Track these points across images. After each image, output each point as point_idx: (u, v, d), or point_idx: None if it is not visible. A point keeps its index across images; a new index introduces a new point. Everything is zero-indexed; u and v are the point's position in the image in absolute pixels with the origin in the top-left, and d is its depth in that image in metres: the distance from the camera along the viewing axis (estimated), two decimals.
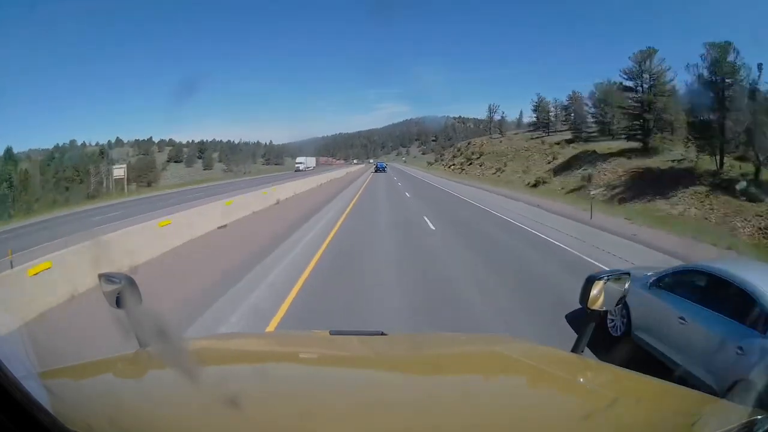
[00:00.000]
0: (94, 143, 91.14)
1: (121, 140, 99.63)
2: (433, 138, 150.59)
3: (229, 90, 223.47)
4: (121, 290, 1.35)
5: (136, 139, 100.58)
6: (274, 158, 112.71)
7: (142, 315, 1.30)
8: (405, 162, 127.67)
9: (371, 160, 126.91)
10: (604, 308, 1.42)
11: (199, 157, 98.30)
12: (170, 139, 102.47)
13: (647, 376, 1.22)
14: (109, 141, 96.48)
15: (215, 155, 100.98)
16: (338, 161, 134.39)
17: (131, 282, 1.37)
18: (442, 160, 76.32)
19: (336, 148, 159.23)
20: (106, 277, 1.43)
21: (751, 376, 2.65)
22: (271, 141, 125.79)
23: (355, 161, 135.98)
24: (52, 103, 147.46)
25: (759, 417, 0.82)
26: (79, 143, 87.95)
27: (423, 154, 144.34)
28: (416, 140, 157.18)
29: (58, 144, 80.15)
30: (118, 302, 1.35)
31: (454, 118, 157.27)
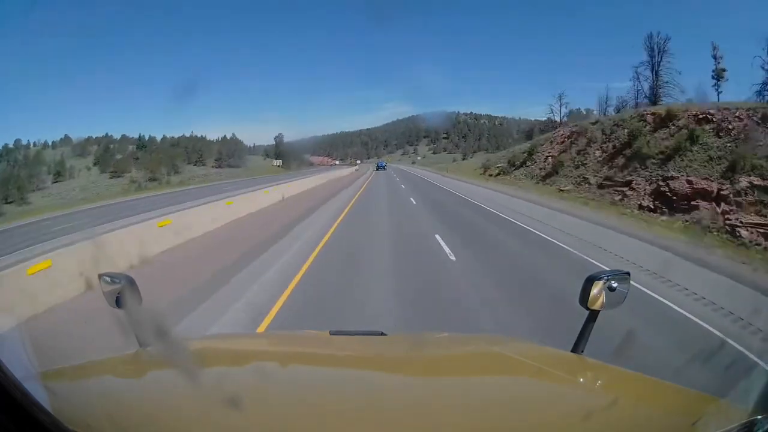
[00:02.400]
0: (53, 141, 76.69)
1: (69, 138, 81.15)
2: (445, 135, 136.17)
3: (229, 89, 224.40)
4: (121, 290, 1.35)
5: (88, 137, 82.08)
6: (232, 158, 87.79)
7: (142, 315, 1.30)
8: (415, 164, 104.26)
9: (359, 161, 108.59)
10: (604, 308, 1.43)
11: (136, 158, 77.54)
12: (123, 136, 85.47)
13: (647, 376, 1.22)
14: (61, 138, 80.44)
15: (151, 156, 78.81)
16: (334, 161, 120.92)
17: (131, 282, 1.37)
18: (529, 164, 32.26)
19: (335, 147, 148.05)
20: (106, 277, 1.43)
21: (752, 376, 2.63)
22: (234, 134, 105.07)
23: (338, 162, 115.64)
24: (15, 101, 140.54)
25: (759, 417, 0.82)
26: (42, 142, 74.12)
27: (434, 153, 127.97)
28: (425, 137, 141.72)
29: (7, 144, 69.34)
30: (118, 302, 1.36)
31: (465, 114, 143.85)
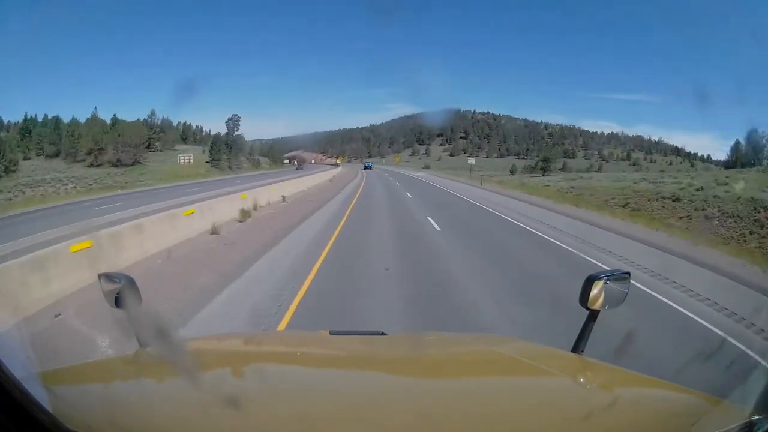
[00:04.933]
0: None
1: (0, 120, 61.95)
2: (462, 134, 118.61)
3: (231, 85, 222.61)
4: (120, 290, 1.35)
5: (31, 117, 61.39)
6: (117, 151, 54.21)
7: (142, 315, 1.30)
8: (429, 168, 74.92)
9: (339, 162, 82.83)
10: (605, 308, 1.43)
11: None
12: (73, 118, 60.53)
13: (647, 376, 1.22)
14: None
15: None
16: (329, 158, 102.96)
17: (131, 282, 1.37)
18: None
19: (332, 143, 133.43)
20: (106, 277, 1.42)
21: (752, 376, 2.63)
22: (154, 113, 68.15)
23: (312, 162, 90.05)
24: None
25: (759, 417, 0.82)
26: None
27: (450, 155, 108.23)
28: (438, 136, 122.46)
29: None
30: (118, 302, 1.35)
31: (482, 114, 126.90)
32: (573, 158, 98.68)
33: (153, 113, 68.04)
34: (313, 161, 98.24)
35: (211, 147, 64.09)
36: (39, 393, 0.75)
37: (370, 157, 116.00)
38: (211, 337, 2.84)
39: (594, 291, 1.42)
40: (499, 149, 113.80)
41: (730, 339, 5.34)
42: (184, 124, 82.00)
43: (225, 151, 63.82)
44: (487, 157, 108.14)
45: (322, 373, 1.33)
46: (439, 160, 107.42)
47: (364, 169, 65.22)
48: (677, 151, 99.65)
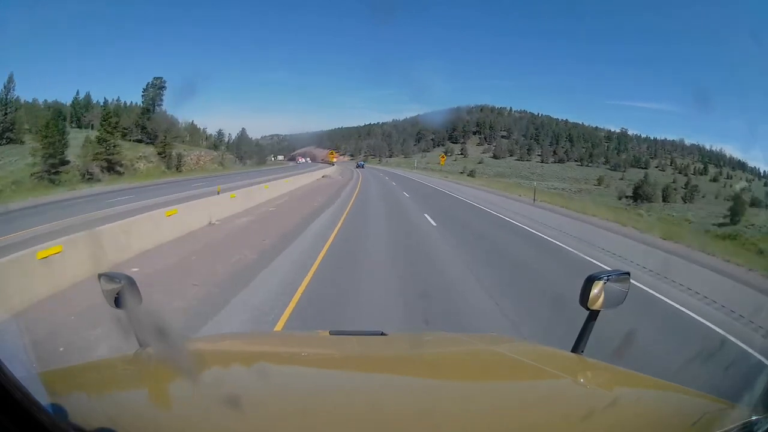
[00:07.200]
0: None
1: None
2: (504, 133, 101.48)
3: (241, 83, 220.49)
4: (120, 290, 1.35)
5: None
6: None
7: (142, 315, 1.30)
8: (468, 175, 51.35)
9: (333, 160, 62.18)
10: (605, 308, 1.43)
11: None
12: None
13: (647, 376, 1.23)
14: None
15: None
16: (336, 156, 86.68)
17: (131, 281, 1.37)
18: None
19: (345, 139, 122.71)
20: (106, 277, 1.42)
21: (752, 376, 2.64)
22: (12, 78, 42.24)
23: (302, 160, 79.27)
24: None
25: (759, 417, 0.82)
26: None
27: (494, 157, 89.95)
28: (474, 133, 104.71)
29: None
30: (118, 302, 1.35)
31: (518, 112, 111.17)
32: (645, 168, 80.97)
33: (11, 79, 40.82)
34: (308, 159, 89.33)
35: (44, 134, 33.57)
36: (39, 393, 0.75)
37: (390, 155, 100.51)
38: (211, 337, 2.85)
39: (594, 291, 1.42)
40: (555, 153, 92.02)
41: None
42: (106, 101, 55.27)
43: (100, 146, 35.18)
44: (542, 161, 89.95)
45: (322, 373, 1.33)
46: (480, 162, 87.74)
47: (357, 167, 59.93)
48: (742, 165, 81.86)
